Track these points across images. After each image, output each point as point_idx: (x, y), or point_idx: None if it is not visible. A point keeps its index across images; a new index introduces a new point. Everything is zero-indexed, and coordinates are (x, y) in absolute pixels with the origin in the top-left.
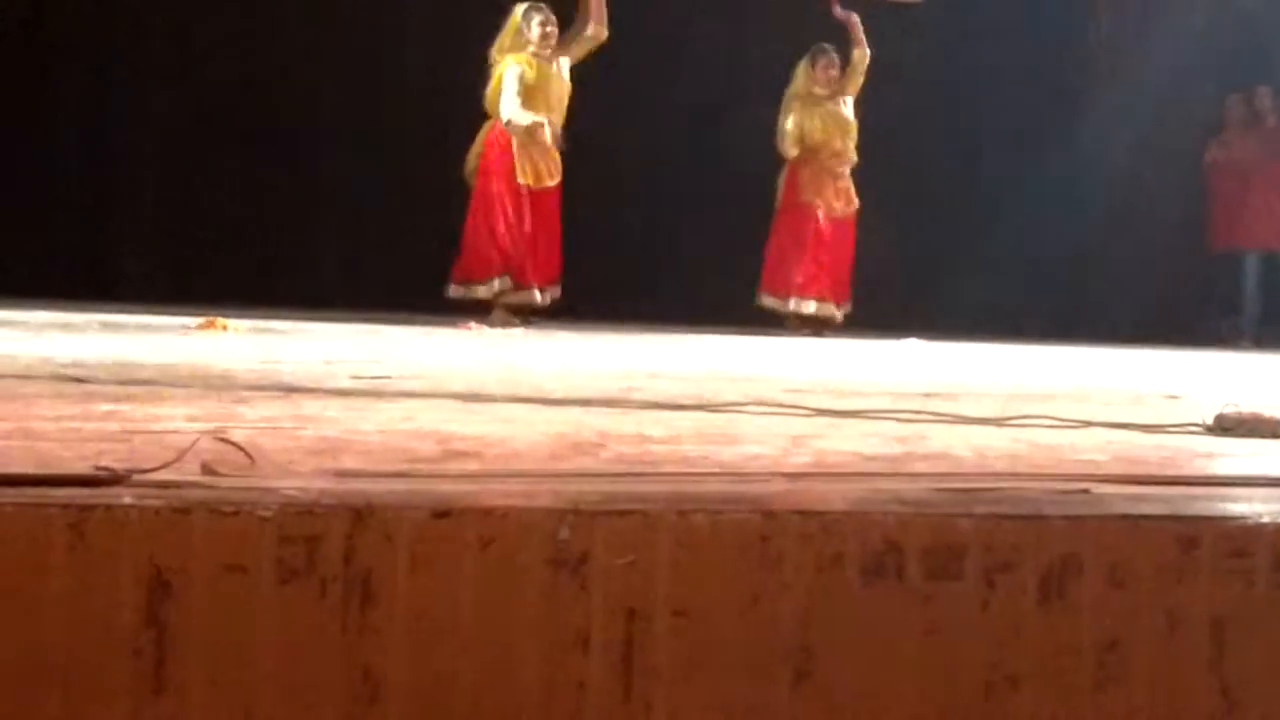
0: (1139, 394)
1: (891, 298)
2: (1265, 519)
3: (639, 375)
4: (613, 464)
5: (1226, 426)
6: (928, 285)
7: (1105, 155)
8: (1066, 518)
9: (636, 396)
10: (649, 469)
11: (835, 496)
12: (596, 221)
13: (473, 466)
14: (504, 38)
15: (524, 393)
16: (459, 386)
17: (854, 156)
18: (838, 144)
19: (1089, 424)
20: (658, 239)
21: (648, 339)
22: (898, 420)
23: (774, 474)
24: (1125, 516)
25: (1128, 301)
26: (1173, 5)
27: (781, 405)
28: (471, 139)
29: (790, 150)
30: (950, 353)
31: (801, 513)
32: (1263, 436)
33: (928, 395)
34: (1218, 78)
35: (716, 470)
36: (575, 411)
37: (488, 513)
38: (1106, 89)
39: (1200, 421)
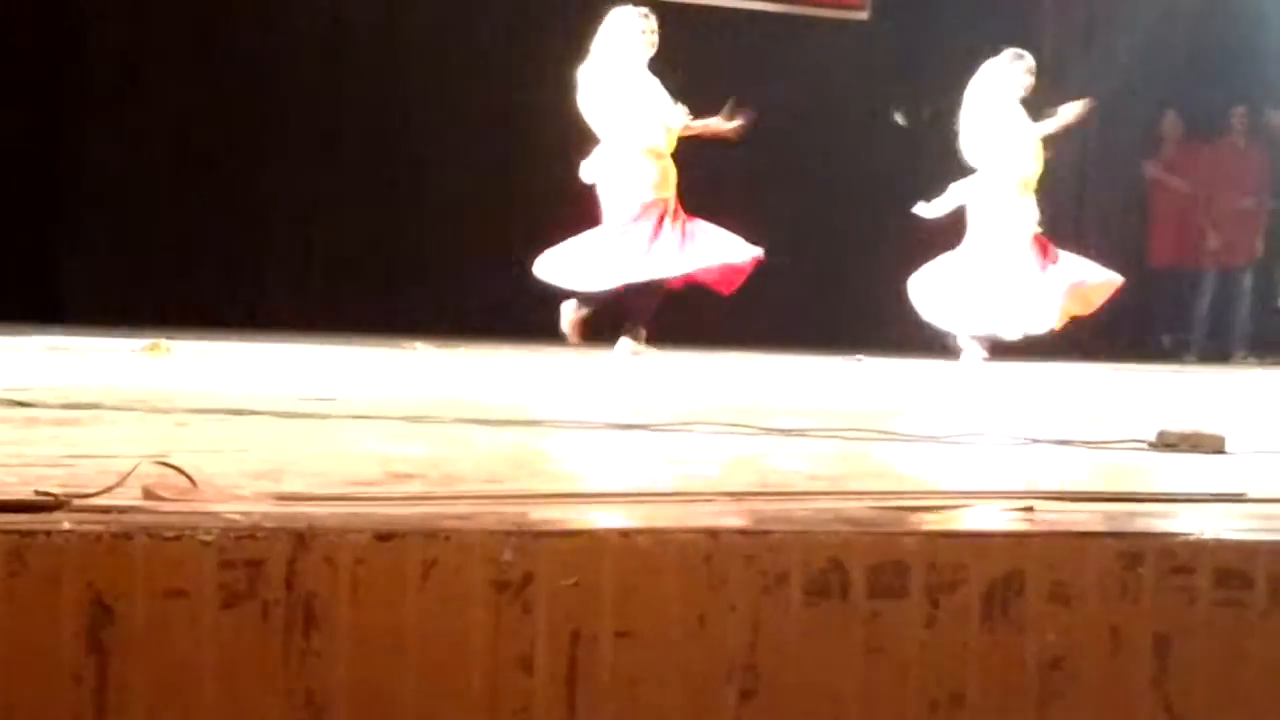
0: (1083, 410)
1: (839, 315)
2: (1207, 535)
3: (587, 395)
4: (557, 485)
5: (1169, 443)
6: (874, 302)
7: (1049, 171)
8: (1010, 535)
9: (584, 416)
10: (593, 489)
11: (780, 516)
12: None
13: (416, 489)
14: (604, 42)
15: (469, 413)
16: (404, 408)
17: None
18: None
19: (1033, 441)
20: None
21: (597, 357)
22: (843, 439)
23: (719, 493)
24: (1068, 534)
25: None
26: (1116, 22)
27: (727, 424)
28: (422, 154)
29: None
30: (897, 370)
31: (746, 532)
32: (1205, 452)
33: (874, 413)
34: (1159, 95)
35: (661, 490)
36: (521, 432)
37: (430, 535)
38: (1050, 106)
39: (1143, 438)
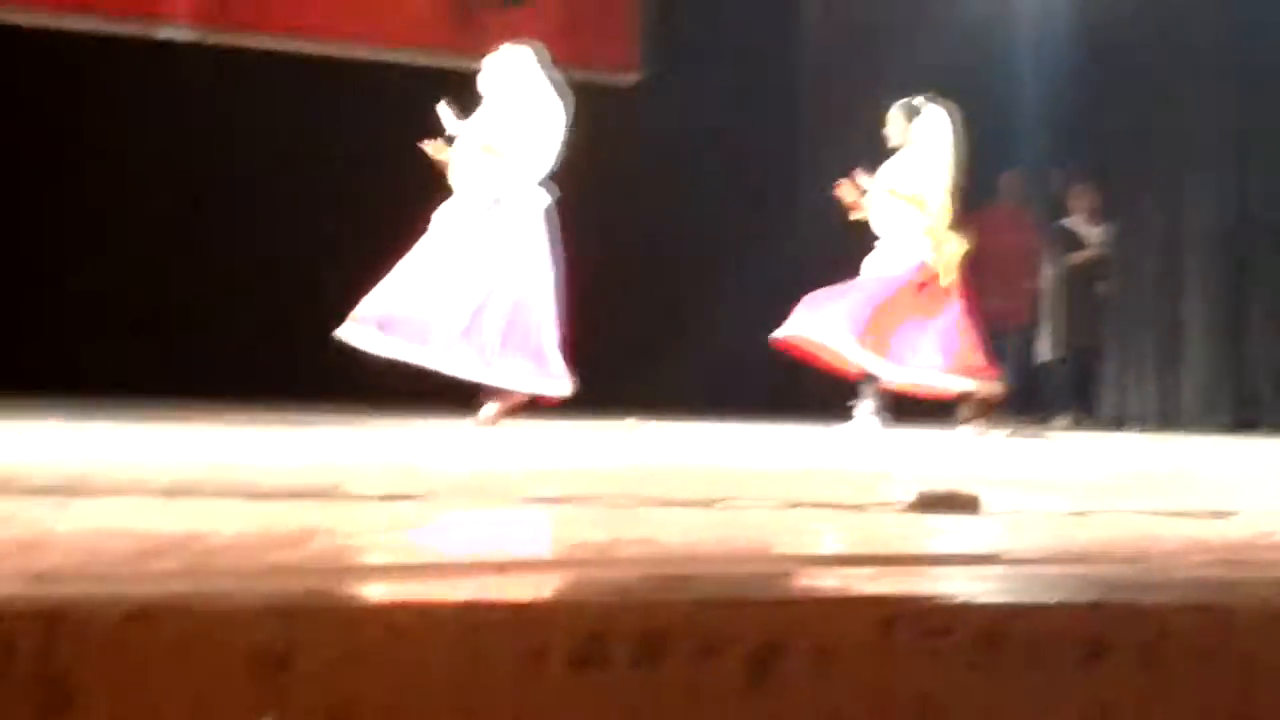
0: (846, 471)
1: (610, 376)
2: (962, 598)
3: (350, 465)
4: (318, 559)
5: (929, 503)
6: (649, 363)
7: (819, 228)
8: (772, 601)
9: (347, 488)
10: (354, 563)
11: (542, 586)
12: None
13: (172, 565)
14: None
15: (230, 486)
16: (164, 480)
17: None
18: None
19: (796, 504)
20: None
21: (365, 428)
22: (608, 505)
23: (480, 564)
24: (829, 598)
25: (837, 378)
26: (880, 89)
27: (490, 491)
28: (196, 215)
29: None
30: (667, 433)
31: (507, 604)
32: (963, 512)
33: (642, 478)
34: None
35: (423, 562)
36: (283, 505)
37: (185, 614)
38: (815, 176)
39: (903, 498)
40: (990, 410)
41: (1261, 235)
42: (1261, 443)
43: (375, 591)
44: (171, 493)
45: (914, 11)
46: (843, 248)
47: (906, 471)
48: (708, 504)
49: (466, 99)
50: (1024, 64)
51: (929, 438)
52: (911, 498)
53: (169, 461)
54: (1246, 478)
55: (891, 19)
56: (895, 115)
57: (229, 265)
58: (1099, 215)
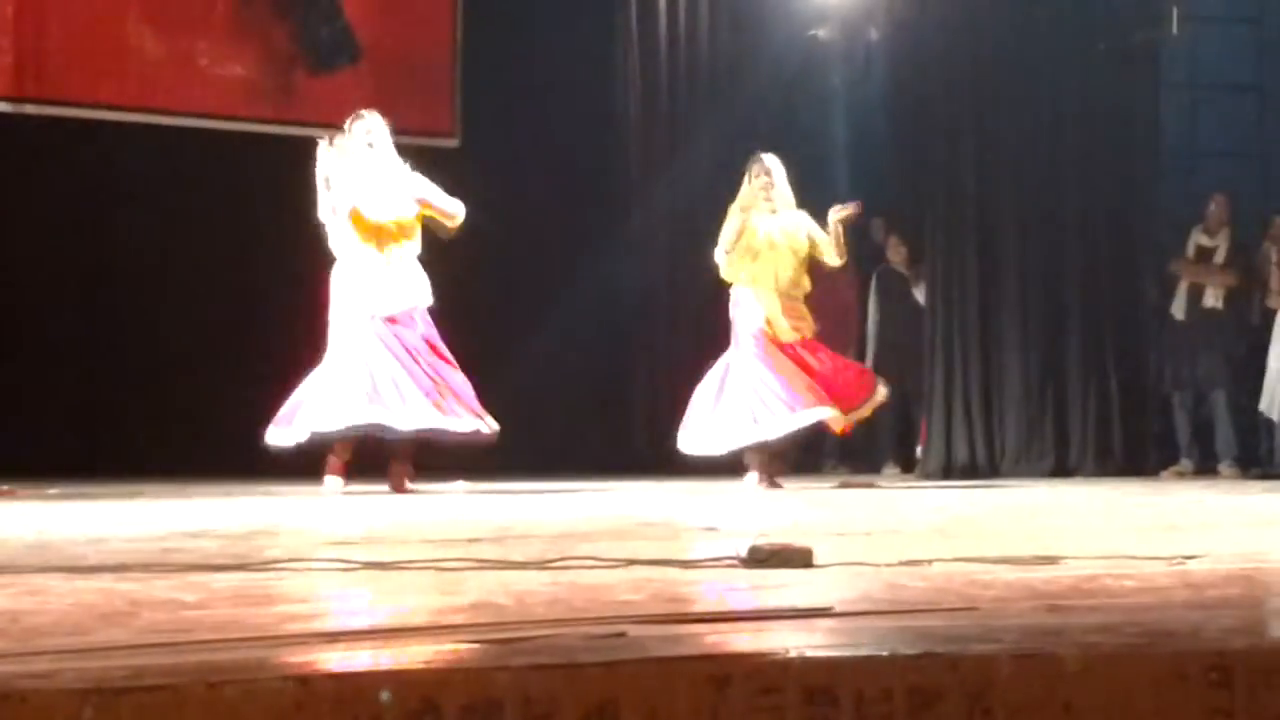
0: (678, 528)
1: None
2: (792, 653)
3: (178, 536)
4: (143, 634)
5: (760, 558)
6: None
7: (636, 286)
8: (603, 664)
9: (175, 559)
10: (181, 638)
11: (373, 656)
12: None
13: None
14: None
15: (55, 561)
16: None
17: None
18: None
19: (629, 563)
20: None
21: (192, 499)
22: (440, 570)
23: (311, 635)
24: (660, 659)
25: (659, 435)
26: (695, 149)
27: (323, 560)
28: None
29: None
30: (499, 495)
31: (336, 676)
32: (794, 566)
33: (472, 541)
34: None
35: (251, 635)
36: (108, 579)
37: (5, 698)
38: (639, 222)
39: (735, 554)
40: (780, 461)
41: (1076, 283)
42: (1080, 488)
43: (200, 667)
44: None
45: (728, 65)
46: (666, 306)
47: (738, 527)
48: (540, 566)
49: (296, 165)
50: (836, 118)
51: (759, 492)
52: (744, 553)
53: None
54: (1068, 524)
55: (708, 71)
56: (768, 168)
57: (45, 343)
58: (912, 265)
